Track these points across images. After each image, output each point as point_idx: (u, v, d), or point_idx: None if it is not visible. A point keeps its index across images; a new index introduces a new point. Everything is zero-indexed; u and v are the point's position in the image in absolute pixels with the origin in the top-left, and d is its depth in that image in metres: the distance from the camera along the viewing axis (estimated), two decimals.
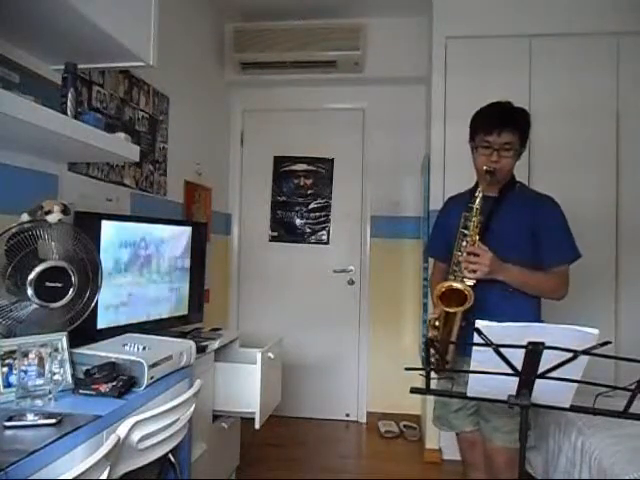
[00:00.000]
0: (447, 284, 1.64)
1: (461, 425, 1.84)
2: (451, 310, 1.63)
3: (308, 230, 3.85)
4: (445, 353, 1.71)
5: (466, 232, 1.67)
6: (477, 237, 1.65)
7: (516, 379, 1.28)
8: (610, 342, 1.19)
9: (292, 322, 3.74)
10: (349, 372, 3.75)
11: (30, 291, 1.38)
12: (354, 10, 3.44)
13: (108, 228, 1.86)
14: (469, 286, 1.61)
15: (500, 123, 1.70)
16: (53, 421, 1.15)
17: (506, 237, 1.70)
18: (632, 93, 2.89)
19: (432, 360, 1.64)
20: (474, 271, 1.62)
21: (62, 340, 1.44)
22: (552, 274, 1.73)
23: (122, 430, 1.22)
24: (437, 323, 1.69)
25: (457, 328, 1.66)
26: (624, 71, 2.90)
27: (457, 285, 1.62)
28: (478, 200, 1.66)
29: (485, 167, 1.70)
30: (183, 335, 2.19)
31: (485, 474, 1.82)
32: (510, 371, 1.27)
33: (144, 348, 1.58)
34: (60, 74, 1.65)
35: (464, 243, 1.66)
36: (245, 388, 2.25)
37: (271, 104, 3.86)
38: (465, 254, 1.64)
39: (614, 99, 2.91)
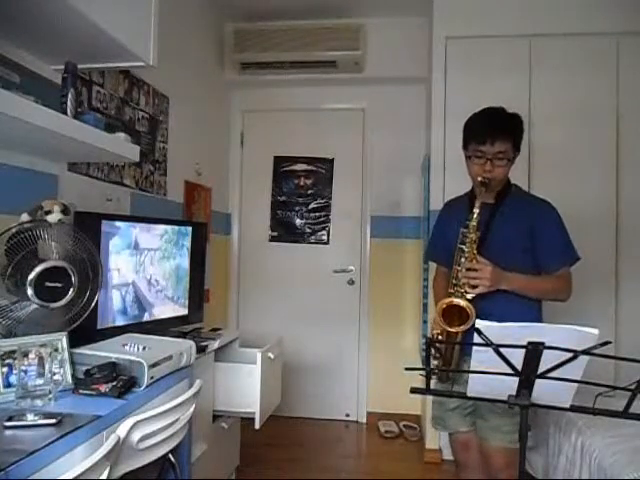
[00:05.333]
0: (448, 300, 1.64)
1: (456, 425, 1.83)
2: (453, 330, 1.64)
3: (308, 230, 3.85)
4: (450, 362, 1.71)
5: (464, 248, 1.66)
6: (475, 252, 1.65)
7: (516, 379, 1.29)
8: (610, 342, 1.19)
9: (292, 322, 3.74)
10: (349, 372, 3.75)
11: (30, 291, 1.38)
12: (354, 10, 3.44)
13: (108, 228, 1.86)
14: (469, 301, 1.62)
15: (493, 133, 1.68)
16: (53, 421, 1.15)
17: (505, 243, 1.71)
18: (632, 93, 2.89)
19: (434, 362, 1.64)
20: (476, 286, 1.63)
21: (62, 340, 1.44)
22: (554, 277, 1.73)
23: (122, 430, 1.22)
24: (440, 337, 1.70)
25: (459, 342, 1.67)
26: (624, 71, 2.90)
27: (459, 302, 1.63)
28: (475, 216, 1.65)
29: (480, 179, 1.69)
30: (183, 335, 2.19)
31: (482, 475, 1.82)
32: (510, 371, 1.27)
33: (144, 348, 1.58)
34: (60, 74, 1.65)
35: (463, 259, 1.66)
36: (245, 388, 2.25)
37: (271, 104, 3.86)
38: (465, 270, 1.64)
39: (614, 99, 2.90)
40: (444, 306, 1.64)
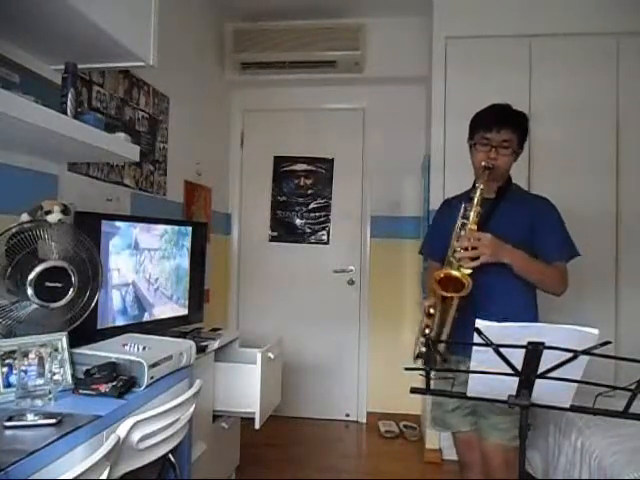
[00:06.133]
0: (445, 271, 1.61)
1: (457, 425, 1.83)
2: (448, 294, 1.60)
3: (308, 230, 3.85)
4: (440, 332, 1.67)
5: (466, 222, 1.66)
6: (476, 227, 1.64)
7: (516, 379, 1.28)
8: (610, 342, 1.19)
9: (292, 322, 3.74)
10: (349, 372, 3.75)
11: (30, 291, 1.38)
12: (354, 10, 3.44)
13: (108, 228, 1.86)
14: (467, 274, 1.59)
15: (499, 120, 1.72)
16: (53, 421, 1.15)
17: (504, 237, 1.70)
18: (632, 93, 2.89)
19: (422, 351, 1.63)
20: (476, 258, 1.59)
21: (62, 340, 1.44)
22: (553, 266, 1.73)
23: (122, 430, 1.22)
24: (432, 311, 1.68)
25: (452, 317, 1.64)
26: (624, 71, 2.90)
27: (455, 273, 1.59)
28: (479, 192, 1.65)
29: (484, 163, 1.70)
30: (183, 335, 2.19)
31: (482, 474, 1.82)
32: (510, 371, 1.27)
33: (144, 348, 1.58)
34: (60, 74, 1.65)
35: (462, 232, 1.65)
36: (245, 388, 2.25)
37: (271, 104, 3.86)
38: (465, 241, 1.61)
39: (614, 99, 2.91)
40: (441, 275, 1.60)
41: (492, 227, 1.71)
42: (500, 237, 1.66)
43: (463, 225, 1.66)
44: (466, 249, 1.61)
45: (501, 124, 1.71)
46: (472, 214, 1.65)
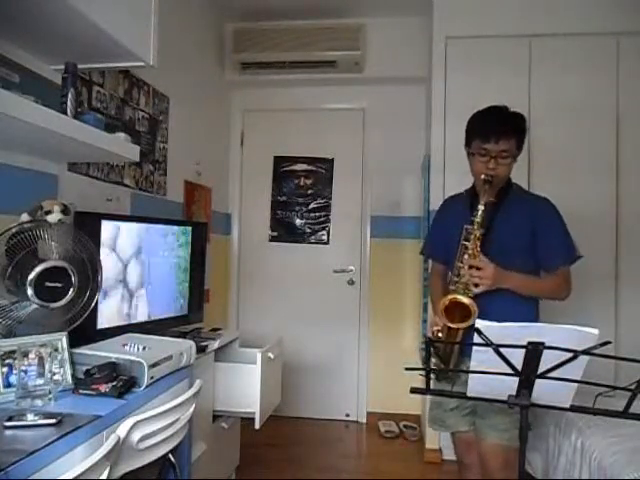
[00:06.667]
0: (451, 297, 1.64)
1: (456, 425, 1.83)
2: (454, 326, 1.63)
3: (308, 230, 3.85)
4: (448, 361, 1.71)
5: (467, 244, 1.66)
6: (478, 250, 1.65)
7: (516, 379, 1.29)
8: (610, 342, 1.19)
9: (292, 322, 3.74)
10: (349, 372, 3.75)
11: (30, 291, 1.38)
12: (354, 10, 3.44)
13: (108, 228, 1.86)
14: (472, 298, 1.62)
15: (497, 131, 1.68)
16: (53, 421, 1.15)
17: (506, 241, 1.71)
18: (632, 93, 2.89)
19: (433, 361, 1.64)
20: (478, 285, 1.63)
21: (62, 340, 1.44)
22: (555, 276, 1.73)
23: (122, 430, 1.22)
24: (440, 335, 1.70)
25: (459, 340, 1.67)
26: (624, 71, 2.90)
27: (462, 299, 1.62)
28: (480, 213, 1.65)
29: (483, 177, 1.68)
30: (183, 335, 2.19)
31: (481, 474, 1.81)
32: (510, 371, 1.27)
33: (144, 348, 1.58)
34: (60, 74, 1.65)
35: (466, 256, 1.66)
36: (245, 388, 2.25)
37: (271, 104, 3.87)
38: (467, 267, 1.64)
39: (614, 99, 2.91)
40: (447, 302, 1.64)
41: (493, 231, 1.71)
42: (502, 245, 1.68)
43: (465, 248, 1.67)
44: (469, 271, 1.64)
45: (499, 135, 1.67)
46: (473, 237, 1.66)
